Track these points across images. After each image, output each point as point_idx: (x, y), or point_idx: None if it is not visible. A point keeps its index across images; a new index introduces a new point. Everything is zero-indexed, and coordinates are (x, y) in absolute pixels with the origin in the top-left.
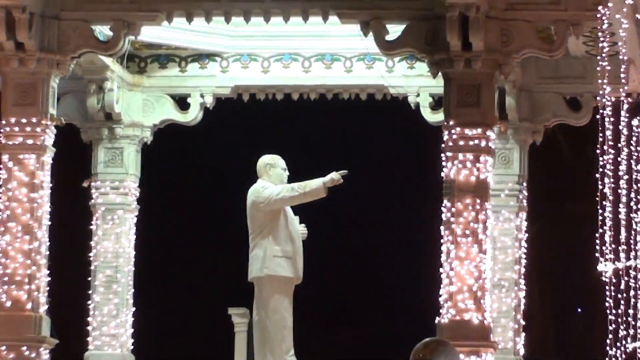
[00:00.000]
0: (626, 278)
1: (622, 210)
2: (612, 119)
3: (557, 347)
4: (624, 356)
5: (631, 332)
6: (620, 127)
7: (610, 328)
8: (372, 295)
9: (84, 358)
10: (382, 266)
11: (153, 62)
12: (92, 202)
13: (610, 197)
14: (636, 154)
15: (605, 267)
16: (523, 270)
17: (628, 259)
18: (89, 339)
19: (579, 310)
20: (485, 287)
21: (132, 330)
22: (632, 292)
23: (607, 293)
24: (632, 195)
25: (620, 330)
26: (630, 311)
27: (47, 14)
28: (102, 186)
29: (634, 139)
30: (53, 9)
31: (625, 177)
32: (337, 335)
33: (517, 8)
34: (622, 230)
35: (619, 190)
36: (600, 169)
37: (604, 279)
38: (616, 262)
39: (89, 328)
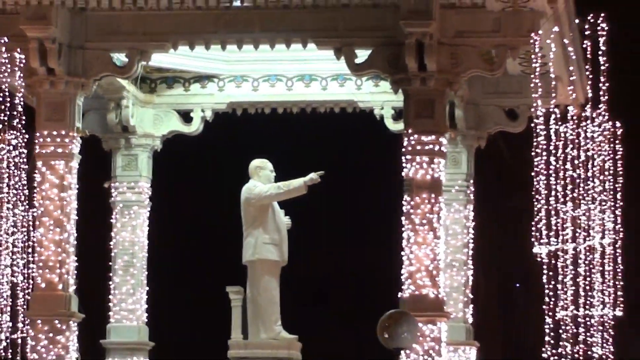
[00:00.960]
0: (556, 259)
1: (553, 202)
2: (543, 127)
3: (500, 317)
4: (553, 324)
5: (560, 303)
6: (551, 133)
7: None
8: (346, 275)
9: (106, 329)
10: (354, 252)
11: (162, 83)
12: (112, 200)
13: (543, 192)
14: (564, 155)
15: (540, 250)
16: (471, 252)
17: (558, 242)
18: (110, 313)
19: (518, 285)
20: (439, 267)
21: (146, 305)
22: (560, 270)
23: (542, 271)
24: (561, 189)
25: (551, 302)
26: (559, 286)
27: (74, 45)
28: (120, 187)
29: (562, 143)
30: (78, 40)
31: (554, 175)
32: (316, 309)
33: (464, 35)
34: (553, 219)
35: (551, 186)
36: (535, 169)
37: (538, 259)
38: (548, 246)
39: (110, 304)
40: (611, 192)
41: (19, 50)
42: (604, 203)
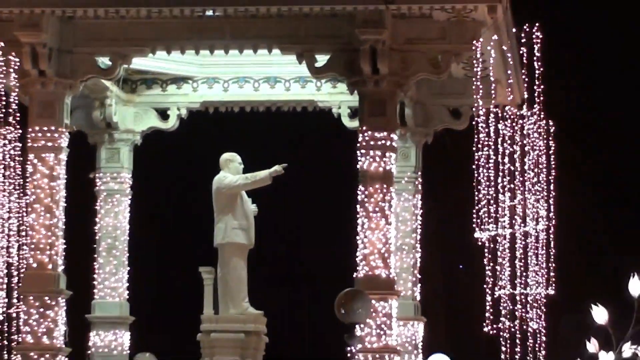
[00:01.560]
0: (495, 243)
1: (492, 192)
2: (484, 124)
3: (445, 295)
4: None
5: (499, 282)
6: (490, 131)
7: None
8: (306, 258)
9: (91, 305)
10: (315, 236)
11: (141, 84)
12: (97, 189)
13: (484, 183)
14: (502, 150)
15: (480, 235)
16: (419, 237)
17: (496, 228)
18: (95, 290)
19: (461, 267)
20: (390, 250)
21: (127, 284)
22: (499, 253)
23: (483, 254)
24: (500, 181)
25: (491, 281)
26: (498, 267)
27: (62, 49)
28: (104, 177)
29: (501, 139)
30: (66, 45)
31: (494, 168)
32: (281, 288)
33: (413, 42)
34: (492, 207)
35: (490, 178)
36: (476, 162)
37: (479, 243)
38: (488, 231)
39: (95, 282)
40: (544, 183)
41: (14, 54)
42: (538, 193)
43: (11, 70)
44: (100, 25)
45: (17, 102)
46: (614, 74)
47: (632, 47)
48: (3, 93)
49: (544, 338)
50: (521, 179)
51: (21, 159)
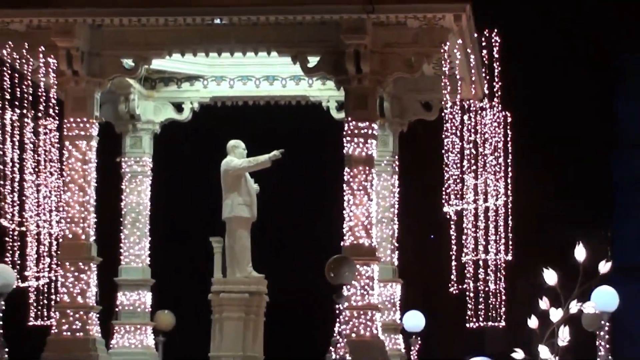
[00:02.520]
0: (461, 216)
1: (458, 173)
2: (451, 115)
3: (418, 260)
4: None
5: (464, 250)
6: (456, 121)
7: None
8: (301, 229)
9: (118, 269)
10: (308, 211)
11: (160, 81)
12: (122, 170)
13: (451, 165)
14: (467, 137)
15: (448, 209)
16: (396, 212)
17: (462, 204)
18: (121, 257)
19: (432, 236)
20: (372, 222)
21: (148, 252)
22: (464, 225)
23: (450, 225)
24: (465, 163)
25: (457, 249)
26: (463, 237)
27: (92, 52)
28: (128, 161)
29: (465, 128)
30: (96, 48)
31: (460, 152)
32: (279, 254)
33: (390, 46)
34: (459, 186)
35: (456, 161)
36: (445, 147)
37: (447, 216)
38: (455, 206)
39: (121, 250)
40: (502, 166)
41: (52, 57)
42: (497, 174)
43: (50, 70)
44: (125, 32)
45: (55, 97)
46: (560, 71)
47: (575, 51)
48: (43, 90)
49: (503, 297)
50: (482, 162)
51: (59, 145)
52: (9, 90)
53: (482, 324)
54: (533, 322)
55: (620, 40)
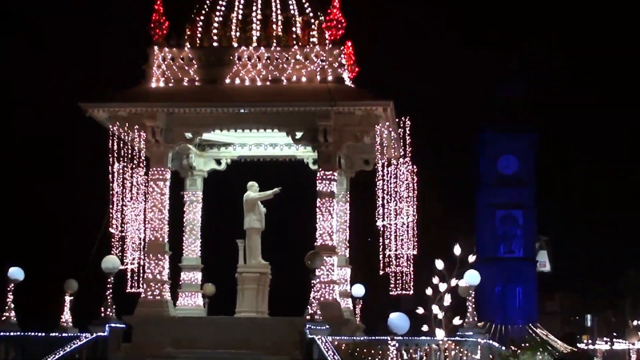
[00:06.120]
0: (387, 228)
1: (386, 202)
2: (381, 168)
3: (362, 254)
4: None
5: (388, 248)
6: (387, 172)
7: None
8: (291, 235)
9: (181, 259)
10: (295, 224)
11: (207, 146)
12: (184, 200)
13: (381, 196)
14: (391, 181)
15: (379, 223)
16: (347, 225)
17: (387, 220)
18: (183, 251)
19: (369, 239)
20: (333, 232)
21: (200, 248)
22: (389, 233)
23: (380, 233)
24: (389, 196)
25: (384, 246)
26: (387, 240)
27: (167, 128)
28: (188, 194)
29: (385, 177)
30: (169, 126)
31: (387, 190)
32: (278, 251)
33: (345, 125)
34: (385, 209)
35: (384, 195)
36: (377, 187)
37: (379, 228)
38: (383, 221)
39: (183, 247)
40: (412, 197)
41: (142, 131)
42: (408, 202)
43: (141, 139)
44: (186, 116)
45: (144, 155)
46: (446, 141)
47: (453, 128)
48: (137, 151)
49: (411, 276)
50: (399, 195)
51: (146, 184)
52: (117, 150)
53: (399, 292)
54: (429, 291)
55: (478, 123)
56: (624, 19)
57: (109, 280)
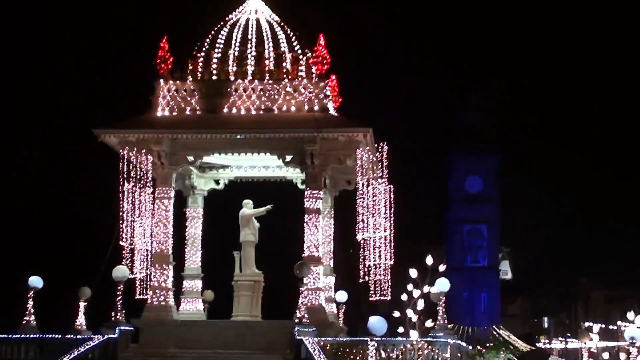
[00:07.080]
0: (367, 240)
1: (365, 217)
2: (362, 188)
3: (345, 264)
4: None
5: (367, 258)
6: (367, 191)
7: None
8: (282, 248)
9: (184, 268)
10: (286, 237)
11: (207, 168)
12: (186, 216)
13: (356, 212)
14: (357, 197)
15: (360, 236)
16: (332, 238)
17: (366, 233)
18: (185, 261)
19: (351, 251)
20: (319, 244)
21: (200, 258)
22: (368, 245)
23: (360, 245)
24: (368, 212)
25: (364, 257)
26: (367, 252)
27: (171, 152)
28: (190, 210)
29: (365, 195)
30: (173, 150)
31: (366, 207)
32: (270, 262)
33: (329, 150)
34: (358, 224)
35: (357, 211)
36: (357, 205)
37: (360, 240)
38: (363, 234)
39: (185, 258)
40: (388, 213)
41: (149, 155)
42: (385, 217)
43: (149, 162)
44: (188, 142)
45: (151, 176)
46: (418, 162)
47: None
48: (145, 172)
49: (389, 283)
50: (377, 211)
51: (152, 202)
52: (127, 172)
53: (377, 298)
54: (404, 297)
55: (447, 146)
56: (581, 47)
57: (119, 287)
